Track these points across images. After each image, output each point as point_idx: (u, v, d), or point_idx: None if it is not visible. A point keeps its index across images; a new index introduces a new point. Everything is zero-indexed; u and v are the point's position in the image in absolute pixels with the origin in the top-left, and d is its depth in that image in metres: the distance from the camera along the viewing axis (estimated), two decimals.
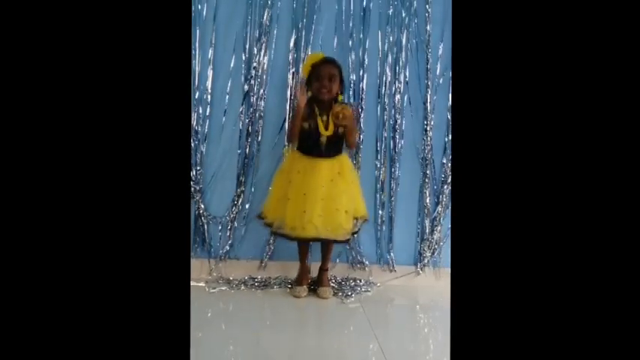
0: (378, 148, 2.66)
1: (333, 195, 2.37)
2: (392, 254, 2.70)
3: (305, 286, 2.47)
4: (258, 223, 2.53)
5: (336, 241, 2.45)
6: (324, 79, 2.36)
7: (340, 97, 2.41)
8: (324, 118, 2.39)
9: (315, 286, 2.50)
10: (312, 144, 2.40)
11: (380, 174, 2.67)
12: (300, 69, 2.53)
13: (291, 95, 2.60)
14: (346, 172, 2.43)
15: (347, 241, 2.50)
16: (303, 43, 2.59)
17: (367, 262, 2.69)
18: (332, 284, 2.54)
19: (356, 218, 2.46)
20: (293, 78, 2.59)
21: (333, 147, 2.42)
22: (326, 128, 2.38)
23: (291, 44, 2.59)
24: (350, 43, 2.61)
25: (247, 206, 2.62)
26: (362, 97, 2.63)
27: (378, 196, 2.68)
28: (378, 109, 2.66)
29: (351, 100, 2.61)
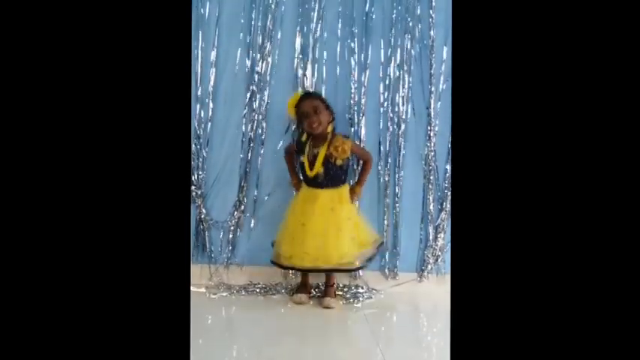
0: (381, 154, 2.64)
1: (336, 223, 2.36)
2: (395, 261, 2.68)
3: (306, 295, 2.45)
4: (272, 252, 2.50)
5: (336, 271, 2.43)
6: (310, 114, 2.35)
7: (330, 128, 2.40)
8: (315, 151, 2.38)
9: (321, 296, 2.47)
10: (308, 178, 2.41)
11: (383, 180, 2.65)
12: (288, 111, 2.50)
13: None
14: (346, 201, 2.43)
15: (357, 270, 2.48)
16: (307, 47, 2.58)
17: (373, 269, 2.67)
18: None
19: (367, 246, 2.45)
20: (297, 82, 2.58)
21: (334, 179, 2.40)
22: (311, 165, 2.38)
23: (296, 48, 2.58)
24: (353, 47, 2.60)
25: (249, 211, 2.61)
26: (363, 105, 2.62)
27: (381, 202, 2.66)
28: (381, 114, 2.64)
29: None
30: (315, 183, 2.39)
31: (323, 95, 2.48)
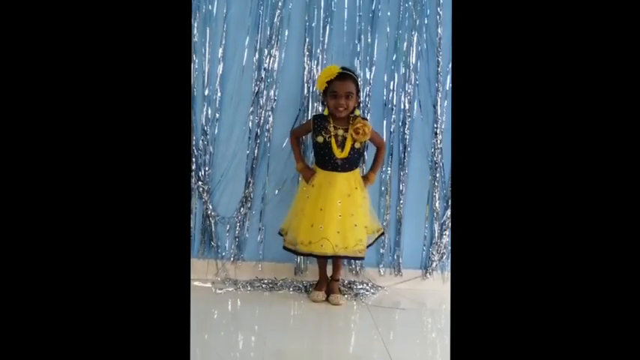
0: (387, 151, 2.64)
1: (351, 210, 2.35)
2: (399, 258, 2.68)
3: (323, 292, 2.44)
4: (280, 239, 2.51)
5: (354, 258, 2.44)
6: (340, 97, 2.30)
7: (358, 112, 2.39)
8: (339, 132, 2.36)
9: (327, 293, 2.48)
10: (328, 159, 2.37)
11: (387, 176, 2.65)
12: (316, 81, 2.51)
13: (302, 96, 2.59)
14: (360, 186, 2.41)
15: (363, 258, 2.48)
16: (314, 44, 2.58)
17: (374, 266, 2.69)
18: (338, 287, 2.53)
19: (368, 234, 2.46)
20: (305, 80, 2.59)
21: (351, 162, 2.38)
22: (341, 147, 2.35)
23: (304, 45, 2.58)
24: (359, 44, 2.60)
25: (255, 207, 2.62)
26: (368, 100, 2.62)
27: (385, 199, 2.66)
28: (387, 111, 2.64)
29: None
30: (333, 166, 2.36)
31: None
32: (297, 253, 2.41)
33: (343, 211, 2.33)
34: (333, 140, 2.35)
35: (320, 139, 2.36)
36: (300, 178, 2.52)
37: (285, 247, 2.44)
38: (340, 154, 2.35)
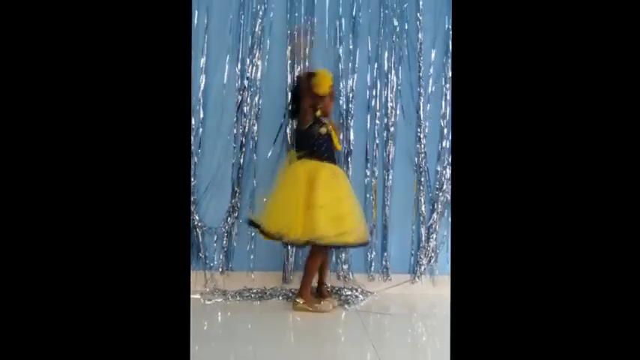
0: (369, 157, 2.66)
1: (340, 198, 2.36)
2: (387, 262, 2.69)
3: (329, 299, 2.46)
4: (250, 230, 2.51)
5: (354, 246, 2.42)
6: (333, 99, 2.46)
7: (319, 112, 2.41)
8: (329, 128, 2.42)
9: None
10: (324, 149, 2.39)
11: (371, 181, 2.66)
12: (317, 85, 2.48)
13: (286, 104, 2.60)
14: (343, 178, 2.44)
15: (366, 244, 2.48)
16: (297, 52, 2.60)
17: (362, 271, 2.69)
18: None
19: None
20: (287, 88, 2.60)
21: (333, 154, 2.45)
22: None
23: (286, 53, 2.59)
24: (341, 51, 2.62)
25: (242, 216, 2.61)
26: (352, 106, 2.64)
27: (370, 203, 2.67)
28: (368, 117, 2.66)
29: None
30: (319, 155, 2.38)
31: None
32: (292, 244, 2.43)
33: (330, 201, 2.32)
34: (334, 134, 2.42)
35: (323, 130, 2.40)
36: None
37: (283, 242, 2.39)
38: (340, 148, 2.47)
